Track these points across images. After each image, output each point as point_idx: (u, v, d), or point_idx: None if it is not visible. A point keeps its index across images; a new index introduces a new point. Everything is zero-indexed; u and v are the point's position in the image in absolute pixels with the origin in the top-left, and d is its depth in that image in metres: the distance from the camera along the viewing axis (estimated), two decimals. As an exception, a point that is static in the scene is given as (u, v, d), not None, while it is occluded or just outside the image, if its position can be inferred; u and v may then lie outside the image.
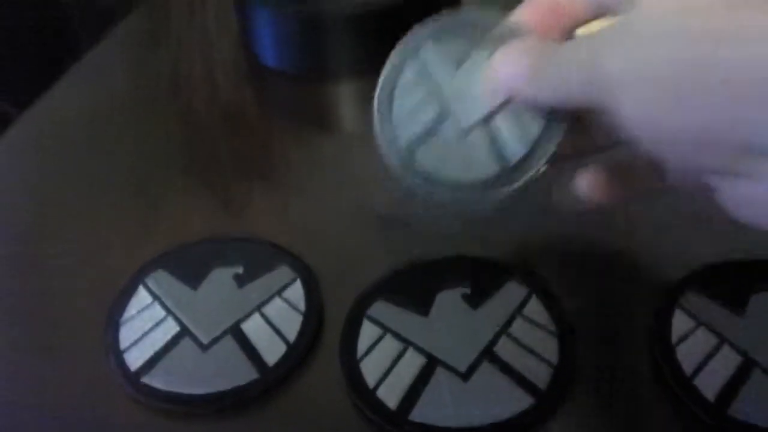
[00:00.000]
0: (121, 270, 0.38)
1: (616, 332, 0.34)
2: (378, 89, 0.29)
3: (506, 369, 0.32)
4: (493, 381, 0.32)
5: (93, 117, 0.51)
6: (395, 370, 0.33)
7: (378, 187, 0.38)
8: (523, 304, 0.35)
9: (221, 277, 0.38)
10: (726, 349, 0.32)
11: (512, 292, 0.35)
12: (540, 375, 0.32)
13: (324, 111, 0.52)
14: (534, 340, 0.33)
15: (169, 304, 0.37)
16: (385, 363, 0.33)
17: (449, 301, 0.35)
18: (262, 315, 0.36)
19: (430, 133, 0.28)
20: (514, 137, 0.28)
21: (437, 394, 0.32)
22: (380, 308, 0.35)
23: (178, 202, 0.44)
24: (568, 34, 0.28)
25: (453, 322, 0.34)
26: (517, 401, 0.31)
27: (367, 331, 0.34)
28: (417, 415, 0.31)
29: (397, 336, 0.34)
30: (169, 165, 0.47)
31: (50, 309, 0.38)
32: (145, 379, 0.33)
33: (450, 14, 0.29)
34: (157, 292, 0.37)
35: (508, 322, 0.34)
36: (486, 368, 0.32)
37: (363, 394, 0.32)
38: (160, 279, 0.38)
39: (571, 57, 0.25)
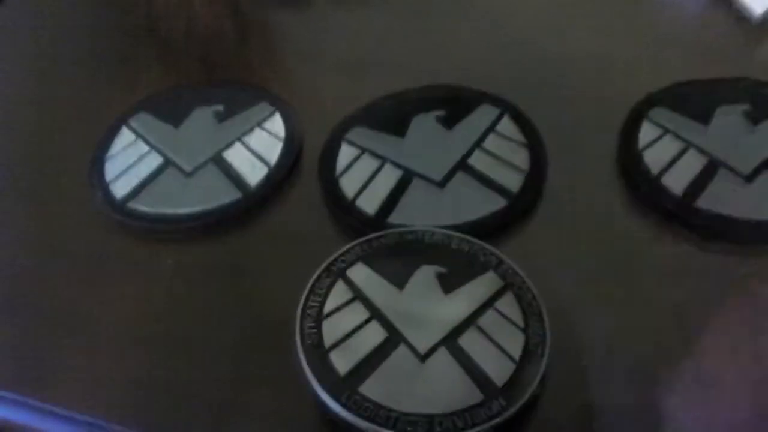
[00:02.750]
0: (104, 119, 0.39)
1: (585, 143, 0.35)
2: (299, 316, 0.28)
3: (480, 177, 0.34)
4: (468, 187, 0.33)
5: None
6: (373, 183, 0.34)
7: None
8: (496, 122, 0.36)
9: (202, 115, 0.38)
10: (692, 152, 0.34)
11: (485, 112, 0.36)
12: (512, 180, 0.33)
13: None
14: (506, 152, 0.35)
15: (151, 140, 0.37)
16: (363, 177, 0.34)
17: (424, 123, 0.36)
18: (243, 144, 0.37)
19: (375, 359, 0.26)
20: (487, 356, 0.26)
21: (414, 200, 0.33)
22: (358, 132, 0.36)
23: (156, 62, 0.44)
24: None
25: (428, 141, 0.35)
26: (491, 203, 0.32)
27: (346, 152, 0.35)
28: (395, 218, 0.32)
29: (374, 154, 0.35)
30: (147, 34, 0.47)
31: (33, 164, 0.39)
32: (131, 204, 0.35)
33: (380, 235, 0.30)
34: (140, 131, 0.38)
35: (482, 138, 0.35)
36: (461, 177, 0.34)
37: (342, 205, 0.33)
38: (142, 120, 0.39)
39: None
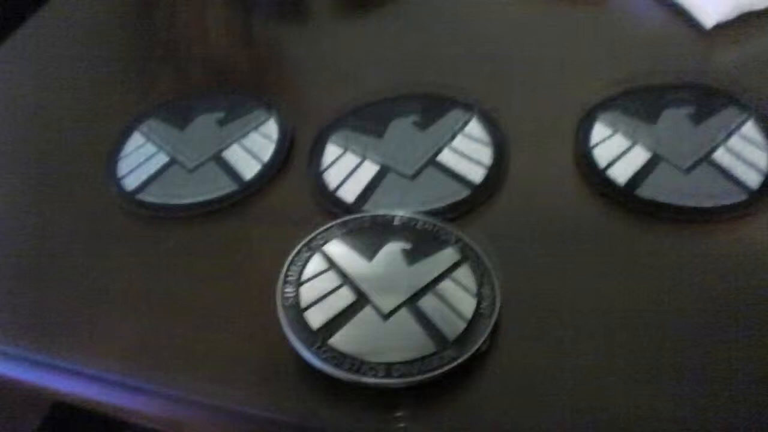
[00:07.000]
0: (119, 124, 0.44)
1: (545, 141, 0.39)
2: (280, 282, 0.31)
3: (447, 171, 0.38)
4: (437, 180, 0.37)
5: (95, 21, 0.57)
6: (353, 176, 0.38)
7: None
8: (465, 125, 0.40)
9: (205, 121, 0.43)
10: (637, 149, 0.38)
11: (456, 116, 0.41)
12: (476, 173, 0.37)
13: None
14: (472, 150, 0.39)
15: (159, 142, 0.42)
16: (344, 172, 0.38)
17: (401, 126, 0.41)
18: (241, 145, 0.41)
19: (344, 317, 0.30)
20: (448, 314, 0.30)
21: (388, 190, 0.37)
22: (342, 134, 0.41)
23: (167, 73, 0.50)
24: None
25: (404, 141, 0.40)
26: (456, 192, 0.37)
27: (331, 151, 0.40)
28: (370, 206, 0.36)
29: (355, 152, 0.39)
30: (160, 49, 0.53)
31: (56, 159, 0.44)
32: (140, 196, 0.39)
33: (355, 218, 0.34)
34: (149, 134, 0.43)
35: (451, 138, 0.39)
36: (430, 171, 0.38)
37: (325, 194, 0.37)
38: (152, 125, 0.43)
39: None
